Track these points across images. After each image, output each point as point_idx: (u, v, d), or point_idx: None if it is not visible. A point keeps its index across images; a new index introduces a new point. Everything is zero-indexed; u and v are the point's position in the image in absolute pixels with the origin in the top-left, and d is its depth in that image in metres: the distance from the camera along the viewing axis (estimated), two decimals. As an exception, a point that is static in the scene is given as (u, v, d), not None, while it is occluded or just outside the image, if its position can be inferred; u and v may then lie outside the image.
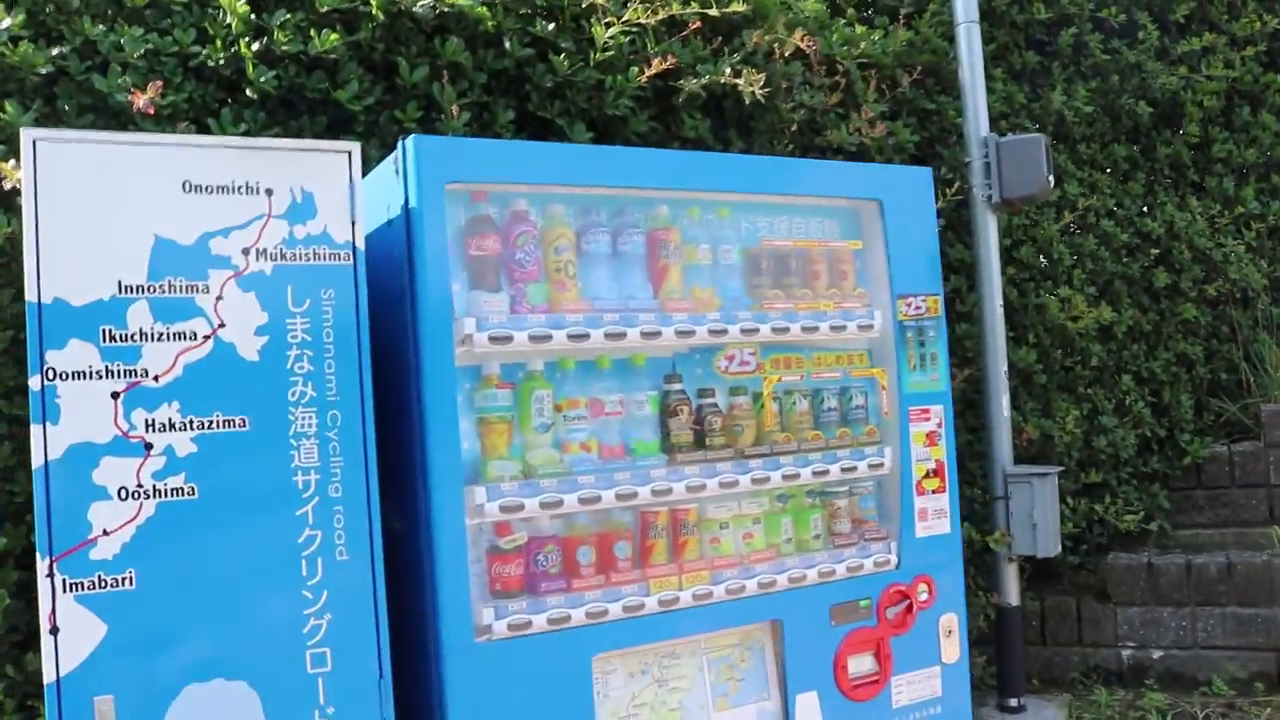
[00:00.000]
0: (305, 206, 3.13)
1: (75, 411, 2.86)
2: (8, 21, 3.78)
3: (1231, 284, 6.29)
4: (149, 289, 2.95)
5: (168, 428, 2.95)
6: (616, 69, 4.59)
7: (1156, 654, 5.75)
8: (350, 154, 3.20)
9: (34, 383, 2.83)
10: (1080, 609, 5.86)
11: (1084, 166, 6.02)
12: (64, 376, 2.86)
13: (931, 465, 4.01)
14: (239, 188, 3.06)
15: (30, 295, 2.84)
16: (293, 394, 3.08)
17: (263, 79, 4.01)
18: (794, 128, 4.98)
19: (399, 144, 3.35)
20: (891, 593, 3.89)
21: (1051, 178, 5.11)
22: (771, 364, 3.85)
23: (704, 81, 4.65)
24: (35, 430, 2.82)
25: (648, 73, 4.52)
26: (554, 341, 3.37)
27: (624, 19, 4.51)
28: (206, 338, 3.00)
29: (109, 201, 2.93)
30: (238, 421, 3.02)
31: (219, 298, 3.02)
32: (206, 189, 3.03)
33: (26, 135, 2.88)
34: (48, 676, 2.80)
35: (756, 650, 3.74)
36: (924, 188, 4.15)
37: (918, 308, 4.00)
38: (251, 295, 3.05)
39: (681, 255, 3.69)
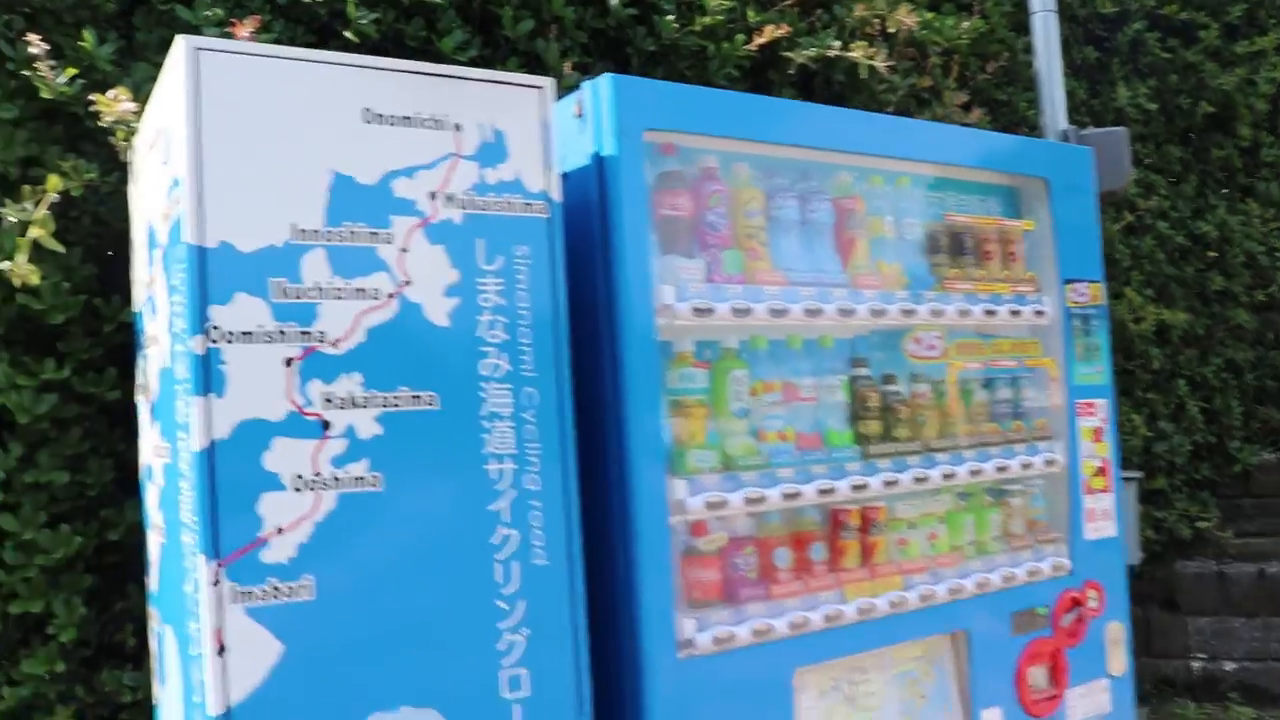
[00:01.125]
0: (496, 147, 2.51)
1: (244, 381, 2.19)
2: (77, -60, 3.10)
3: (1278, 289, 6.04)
4: (326, 235, 2.31)
5: (349, 404, 2.31)
6: (718, 36, 4.08)
7: (1230, 666, 5.39)
8: (543, 90, 2.61)
9: (196, 344, 2.16)
10: (1149, 619, 5.48)
11: (1140, 167, 5.68)
12: (230, 338, 2.20)
13: (1098, 463, 3.52)
14: (425, 120, 2.43)
15: (190, 236, 2.17)
16: (485, 367, 2.46)
17: (363, 20, 3.40)
18: (889, 109, 4.53)
19: (583, 85, 2.78)
20: (1065, 599, 3.38)
21: (1132, 172, 4.77)
22: (956, 349, 3.33)
23: (811, 53, 4.17)
24: (197, 404, 2.15)
25: (757, 41, 4.02)
26: (754, 316, 2.80)
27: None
28: (391, 296, 2.37)
29: (282, 128, 2.27)
30: (426, 398, 2.40)
31: (404, 249, 2.39)
32: (389, 119, 2.39)
33: (186, 44, 2.22)
34: (214, 707, 2.12)
35: (939, 664, 3.20)
36: (1085, 168, 3.62)
37: (1083, 294, 3.52)
38: (440, 248, 2.43)
39: (867, 227, 3.13)
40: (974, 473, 3.21)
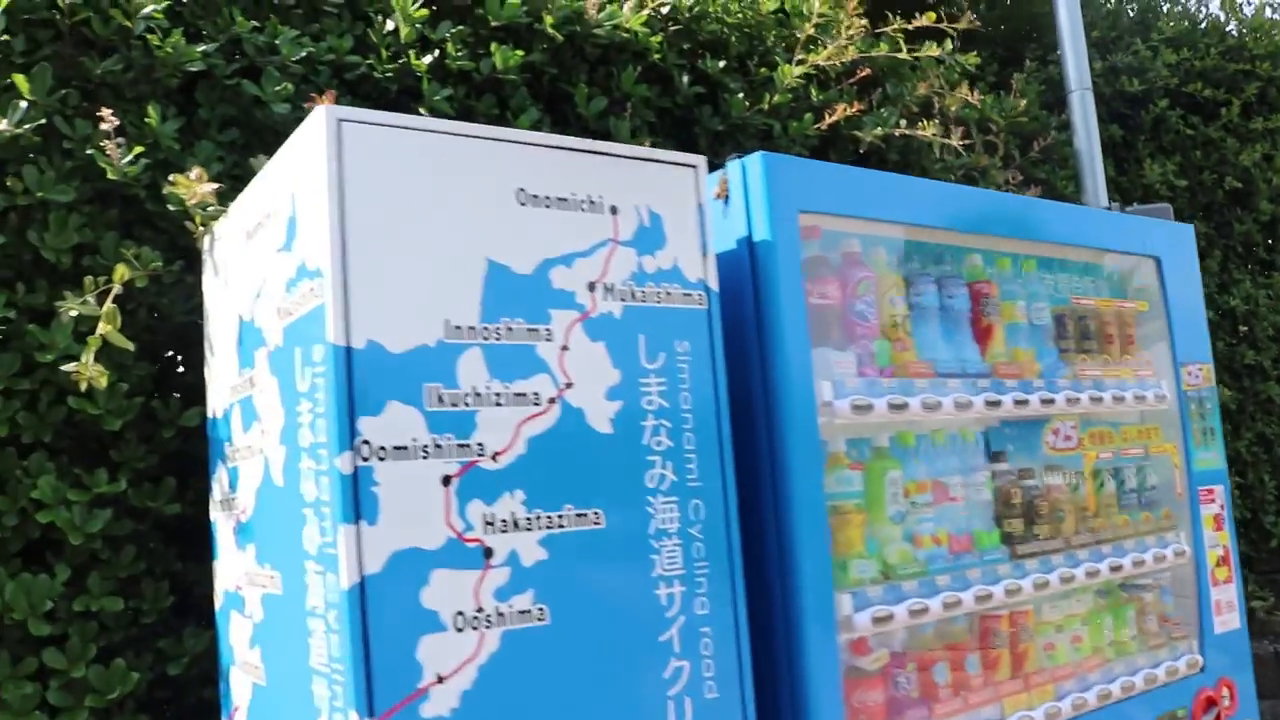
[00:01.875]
0: (653, 232, 2.20)
1: (399, 504, 1.83)
2: (150, 7, 2.76)
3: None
4: (483, 333, 1.98)
5: (510, 526, 1.95)
6: (784, 115, 3.85)
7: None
8: (697, 169, 2.32)
9: (343, 463, 1.81)
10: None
11: (1167, 243, 5.53)
12: (383, 454, 1.86)
13: (1220, 551, 3.26)
14: (581, 202, 2.12)
15: (333, 335, 1.82)
16: (650, 478, 2.12)
17: (437, 97, 3.10)
18: (945, 188, 4.31)
19: (730, 163, 2.49)
20: (1202, 699, 3.06)
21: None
22: (1089, 438, 3.08)
23: (878, 132, 3.95)
24: (346, 533, 1.79)
25: (829, 119, 3.79)
26: (909, 411, 2.52)
27: (801, 60, 3.78)
28: (551, 401, 2.03)
29: (433, 210, 1.94)
30: (591, 517, 2.05)
31: (564, 347, 2.06)
32: (545, 201, 2.08)
33: (328, 114, 1.89)
34: None
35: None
36: (1190, 245, 3.44)
37: (1197, 377, 3.28)
38: (600, 345, 2.10)
39: (1001, 312, 2.87)
40: (1114, 568, 2.93)
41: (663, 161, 2.24)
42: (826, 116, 3.74)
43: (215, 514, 2.55)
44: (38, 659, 2.53)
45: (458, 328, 1.94)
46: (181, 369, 2.89)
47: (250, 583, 2.29)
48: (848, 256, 2.58)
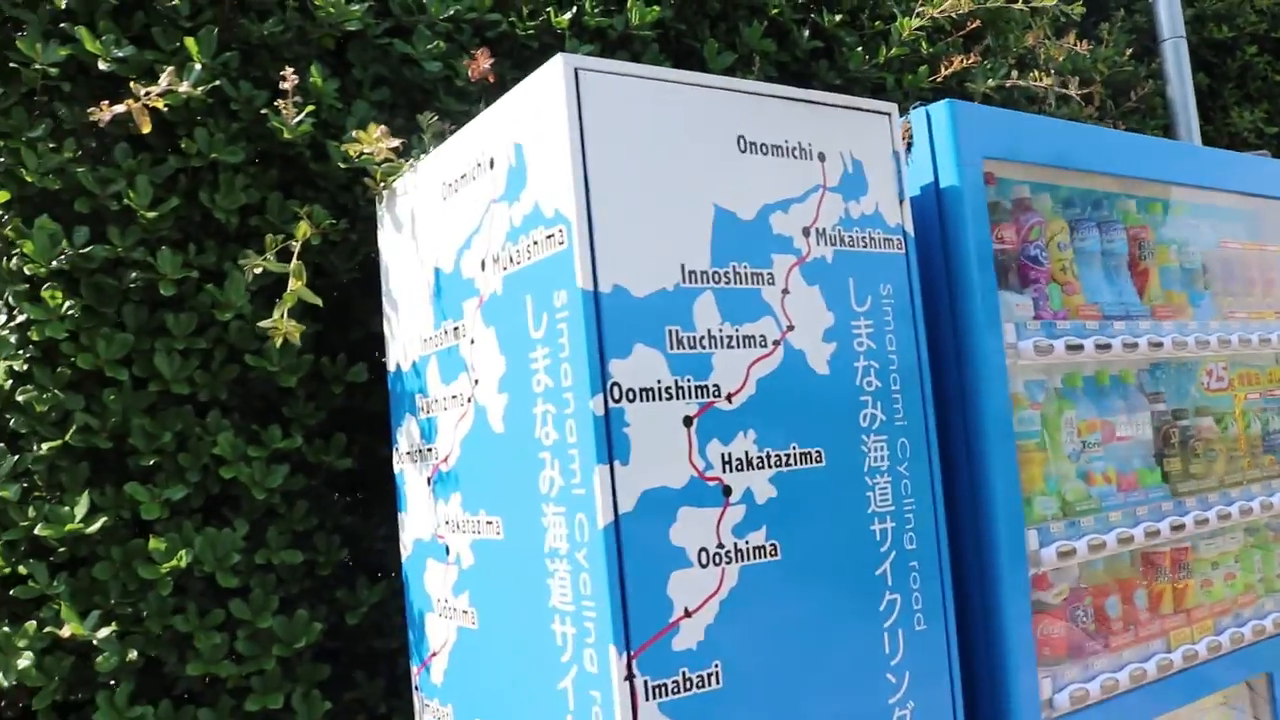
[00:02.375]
0: (856, 179, 2.24)
1: (648, 445, 1.88)
2: (297, -29, 2.78)
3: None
4: (714, 277, 2.02)
5: (745, 465, 2.00)
6: (899, 68, 3.87)
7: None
8: (891, 116, 2.35)
9: (596, 405, 1.85)
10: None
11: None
12: (632, 396, 1.90)
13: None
14: (793, 150, 2.16)
15: (582, 280, 1.86)
16: (864, 417, 2.18)
17: (579, 53, 3.12)
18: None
19: (914, 112, 2.53)
20: None
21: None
22: (1239, 380, 3.13)
23: (991, 84, 3.98)
24: (600, 474, 1.84)
25: (944, 71, 3.81)
26: (1084, 352, 2.57)
27: (920, 12, 3.80)
28: (776, 344, 2.08)
29: (665, 157, 1.97)
30: (814, 455, 2.10)
31: (785, 290, 2.11)
32: (762, 148, 2.12)
33: (565, 63, 1.92)
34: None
35: (1239, 711, 2.98)
36: (1322, 186, 3.52)
37: (1334, 320, 3.36)
38: (815, 289, 2.14)
39: (1155, 256, 2.92)
40: (1265, 507, 2.99)
41: (861, 109, 2.28)
42: (943, 69, 3.76)
43: (402, 465, 2.60)
44: (225, 610, 2.59)
45: (692, 272, 1.98)
46: (345, 327, 2.93)
47: (455, 530, 2.34)
48: (1019, 202, 2.62)
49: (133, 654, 2.50)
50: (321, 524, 2.82)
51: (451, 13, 3.00)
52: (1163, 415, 2.88)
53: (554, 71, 1.93)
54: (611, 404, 1.86)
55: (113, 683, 2.52)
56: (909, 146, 2.46)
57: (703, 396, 1.96)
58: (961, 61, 3.73)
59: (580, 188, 1.89)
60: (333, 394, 2.82)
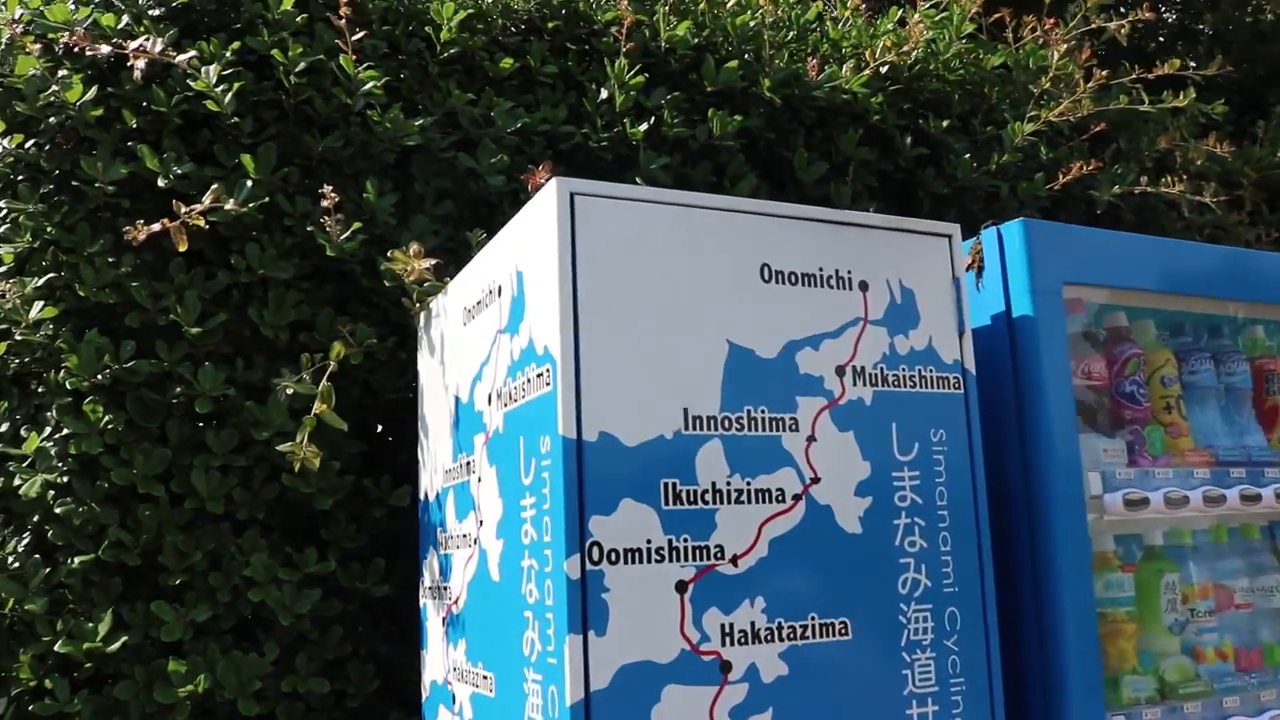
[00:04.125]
0: (906, 310, 1.97)
1: (630, 613, 1.64)
2: (370, 84, 2.71)
3: None
4: (724, 423, 1.78)
5: (750, 638, 1.73)
6: (1013, 175, 3.55)
7: None
8: (952, 239, 2.07)
9: (571, 566, 1.63)
10: None
11: None
12: (614, 557, 1.67)
13: None
14: (828, 279, 1.91)
15: (563, 427, 1.65)
16: (903, 584, 1.87)
17: (653, 165, 2.94)
18: (1194, 246, 3.91)
19: (985, 232, 2.24)
20: None
21: None
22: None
23: (1117, 190, 3.61)
24: (572, 645, 1.60)
25: (1063, 179, 3.47)
26: (1190, 506, 2.20)
27: (1034, 116, 3.49)
28: (797, 498, 1.81)
29: (670, 289, 1.76)
30: (838, 627, 1.81)
31: (811, 438, 1.85)
32: (790, 278, 1.88)
33: (560, 186, 1.75)
34: None
35: None
36: None
37: None
38: (849, 435, 1.87)
39: (1287, 390, 2.55)
40: None
41: (915, 232, 2.02)
42: (1061, 176, 3.42)
43: (425, 600, 2.42)
44: (246, 738, 2.44)
45: (697, 417, 1.75)
46: (393, 447, 2.79)
47: (460, 679, 2.13)
48: (1114, 331, 2.29)
49: (147, 781, 2.37)
50: (355, 651, 2.65)
51: (520, 125, 2.87)
52: (1297, 578, 2.43)
53: (548, 196, 1.74)
54: (590, 566, 1.63)
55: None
56: (980, 271, 2.17)
57: (701, 559, 1.71)
58: (1081, 168, 3.38)
59: (569, 323, 1.69)
60: (374, 517, 2.67)
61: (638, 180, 2.92)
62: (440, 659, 2.28)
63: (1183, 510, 2.16)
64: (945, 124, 3.46)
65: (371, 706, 2.65)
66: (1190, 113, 3.90)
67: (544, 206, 1.76)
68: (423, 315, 2.51)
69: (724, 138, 3.05)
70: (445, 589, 2.25)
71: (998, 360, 2.11)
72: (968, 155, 3.41)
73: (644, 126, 2.97)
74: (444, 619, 2.26)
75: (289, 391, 2.42)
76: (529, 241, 1.83)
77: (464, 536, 2.14)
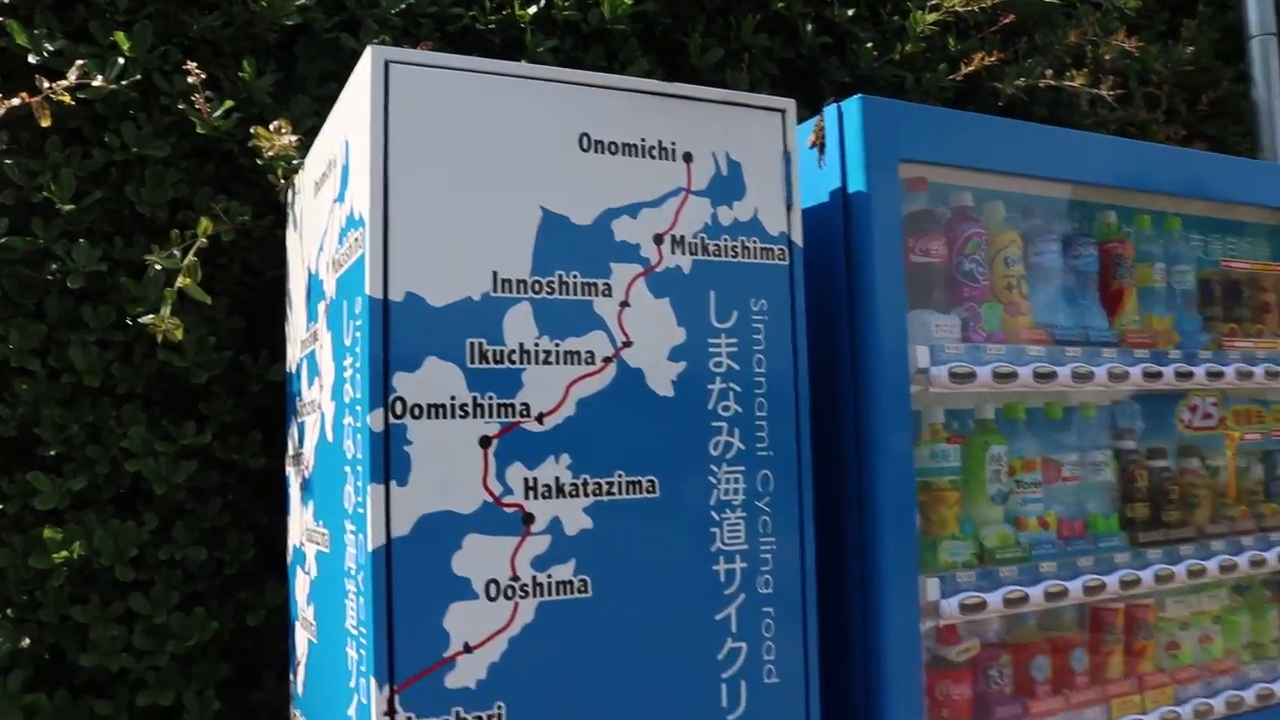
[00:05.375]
0: (731, 181, 2.00)
1: (432, 465, 1.71)
2: (245, -35, 2.69)
3: None
4: (534, 286, 1.83)
5: (554, 492, 1.80)
6: (919, 66, 3.55)
7: None
8: (786, 113, 2.10)
9: (374, 420, 1.69)
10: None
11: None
12: (417, 412, 1.73)
13: (1377, 550, 2.90)
14: (651, 149, 1.95)
15: (372, 288, 1.70)
16: (715, 445, 1.94)
17: (541, 48, 2.94)
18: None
19: (827, 109, 2.27)
20: None
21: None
22: (1234, 418, 2.74)
23: (1021, 83, 3.61)
24: (374, 493, 1.68)
25: (965, 69, 3.47)
26: (1018, 381, 2.25)
27: (935, 5, 3.47)
28: (607, 361, 1.86)
29: (484, 156, 1.79)
30: (645, 485, 1.88)
31: (624, 303, 1.89)
32: (610, 147, 1.91)
33: (374, 55, 1.76)
34: None
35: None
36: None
37: (1361, 353, 2.92)
38: (665, 302, 1.92)
39: (1134, 275, 2.57)
40: (1255, 563, 2.60)
41: (746, 105, 2.04)
42: (964, 67, 3.43)
43: (289, 468, 2.49)
44: (125, 603, 2.53)
45: (507, 280, 1.79)
46: (272, 324, 2.83)
47: (309, 539, 2.21)
48: (958, 211, 2.33)
49: (25, 641, 2.46)
50: (234, 521, 2.72)
51: (406, 6, 2.86)
52: (1130, 455, 2.51)
53: (364, 64, 1.77)
54: (392, 419, 1.69)
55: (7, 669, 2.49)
56: (822, 148, 2.20)
57: (506, 416, 1.77)
58: (984, 59, 3.39)
59: (379, 188, 1.73)
60: (252, 392, 2.73)
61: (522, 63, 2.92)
62: (298, 522, 2.36)
63: (1012, 385, 2.22)
64: (851, 12, 3.44)
65: (249, 574, 2.73)
66: (1106, 7, 3.89)
67: (361, 76, 1.79)
68: (289, 192, 2.53)
69: (616, 21, 3.04)
70: (301, 455, 2.32)
71: (834, 235, 2.15)
72: (870, 45, 3.40)
73: (533, 9, 2.97)
74: (300, 484, 2.33)
75: (158, 267, 2.45)
76: (352, 111, 1.86)
77: (312, 403, 2.19)
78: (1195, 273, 2.69)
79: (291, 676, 2.47)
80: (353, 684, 1.78)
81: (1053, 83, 3.52)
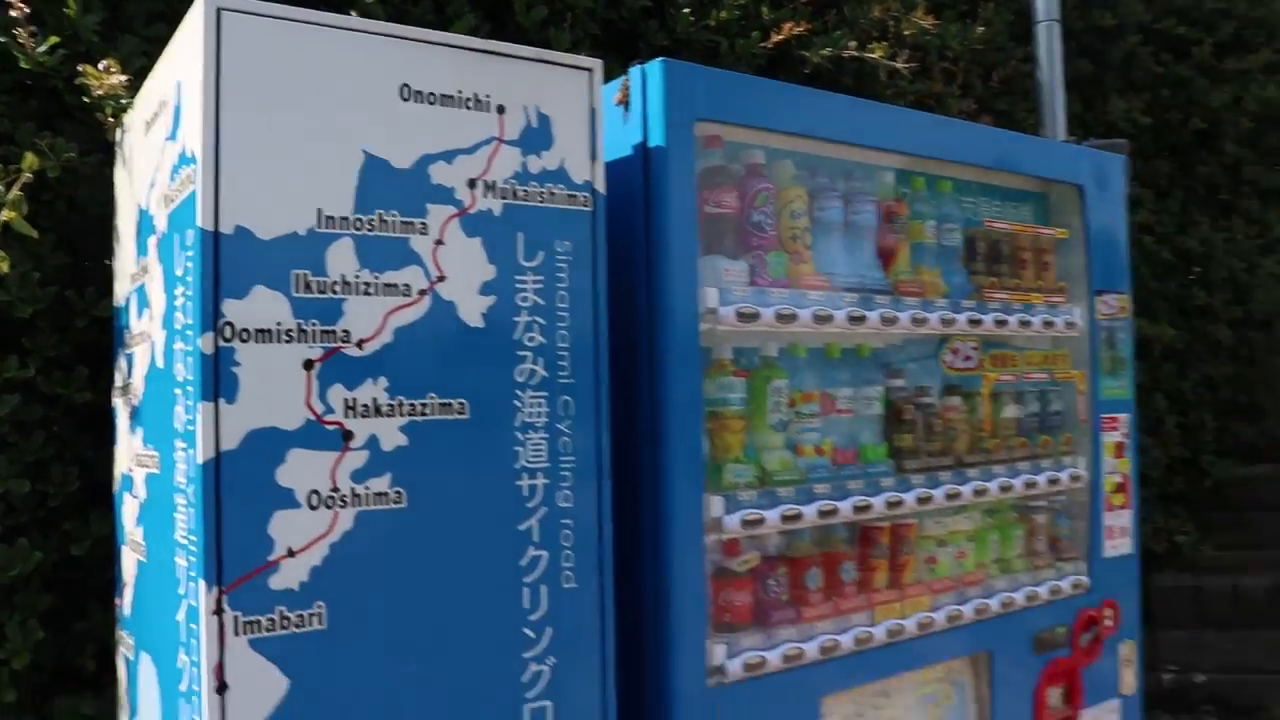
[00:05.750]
0: (540, 133, 2.24)
1: (258, 385, 1.89)
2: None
3: (1256, 307, 5.92)
4: (356, 224, 2.03)
5: (372, 412, 2.01)
6: (732, 32, 3.85)
7: (1201, 678, 5.28)
8: (593, 73, 2.34)
9: (205, 343, 1.87)
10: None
11: (1130, 181, 5.52)
12: (245, 336, 1.92)
13: (1119, 479, 3.32)
14: (467, 100, 2.16)
15: (204, 220, 1.86)
16: (520, 373, 2.18)
17: (370, 0, 3.11)
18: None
19: (632, 69, 2.52)
20: (1083, 618, 3.14)
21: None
22: (991, 361, 3.13)
23: (827, 52, 3.95)
24: (204, 410, 1.85)
25: (775, 38, 3.79)
26: (798, 322, 2.57)
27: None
28: (423, 293, 2.08)
29: (311, 101, 1.96)
30: (456, 406, 2.12)
31: (439, 241, 2.10)
32: (429, 98, 2.12)
33: (207, 4, 1.93)
34: (215, 754, 1.86)
35: (959, 686, 3.00)
36: (1119, 176, 3.46)
37: (1111, 306, 3.33)
38: (477, 241, 2.15)
39: (908, 231, 2.91)
40: (1004, 488, 3.00)
41: (556, 64, 2.27)
42: (773, 35, 3.73)
43: (116, 400, 2.62)
44: (-56, 535, 2.62)
45: (330, 217, 1.99)
46: (99, 261, 2.93)
47: (138, 464, 2.37)
48: (750, 167, 2.62)
49: None
50: (59, 455, 2.83)
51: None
52: (900, 391, 2.88)
53: (197, 10, 1.93)
54: (222, 343, 1.87)
55: None
56: (628, 105, 2.45)
57: (329, 341, 1.97)
58: (792, 28, 3.70)
59: (210, 129, 1.89)
60: (78, 327, 2.83)
61: (351, 14, 3.07)
62: (125, 451, 2.51)
63: (793, 326, 2.53)
64: (673, -24, 3.70)
65: (74, 506, 2.84)
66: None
67: (194, 21, 1.94)
68: (118, 131, 2.65)
69: (443, -23, 3.23)
70: (129, 385, 2.46)
71: (635, 186, 2.41)
72: (687, 10, 3.68)
73: (363, -37, 3.12)
74: (129, 413, 2.47)
75: (-21, 199, 2.53)
76: (185, 54, 2.02)
77: (142, 334, 2.34)
78: (963, 231, 3.07)
79: (117, 600, 2.62)
80: (182, 590, 1.97)
81: (854, 53, 3.87)
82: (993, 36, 4.90)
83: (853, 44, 3.92)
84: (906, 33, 4.17)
